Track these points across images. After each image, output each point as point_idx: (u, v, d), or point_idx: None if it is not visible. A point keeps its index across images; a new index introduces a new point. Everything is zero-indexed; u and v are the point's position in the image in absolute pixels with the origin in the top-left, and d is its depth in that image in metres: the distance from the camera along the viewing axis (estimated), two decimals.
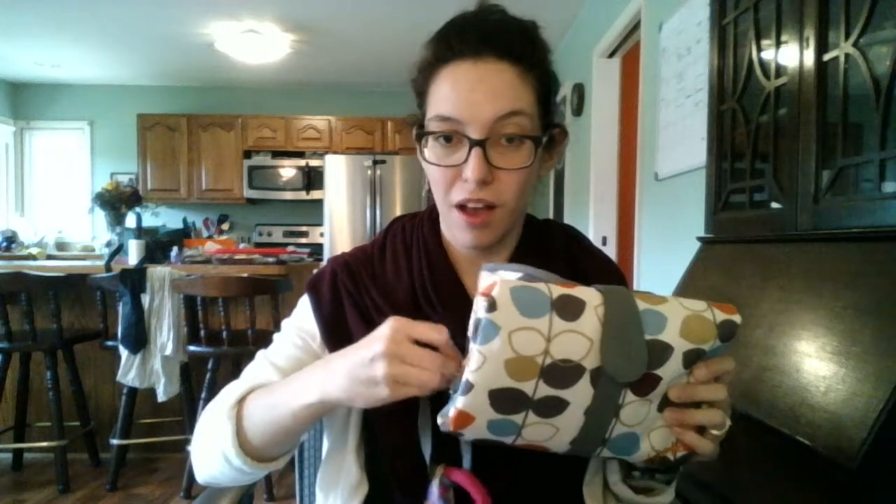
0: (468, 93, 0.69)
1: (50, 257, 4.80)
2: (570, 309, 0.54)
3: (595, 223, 3.73)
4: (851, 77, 1.16)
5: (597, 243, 3.83)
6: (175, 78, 5.88)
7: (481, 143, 0.68)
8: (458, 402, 0.55)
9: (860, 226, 1.10)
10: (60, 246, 5.91)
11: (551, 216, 5.01)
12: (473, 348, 0.54)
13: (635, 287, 2.80)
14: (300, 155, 5.96)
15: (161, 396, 2.68)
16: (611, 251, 3.60)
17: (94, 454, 2.97)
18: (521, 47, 0.71)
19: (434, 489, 0.66)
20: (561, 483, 0.79)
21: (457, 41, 0.70)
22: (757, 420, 1.03)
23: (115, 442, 2.72)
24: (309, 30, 4.49)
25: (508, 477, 0.75)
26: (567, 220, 4.47)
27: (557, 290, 0.55)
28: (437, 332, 0.58)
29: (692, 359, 0.57)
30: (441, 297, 0.76)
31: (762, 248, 1.34)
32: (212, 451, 0.70)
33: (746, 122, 1.51)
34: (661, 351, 0.56)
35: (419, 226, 0.83)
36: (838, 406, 0.91)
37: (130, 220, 3.91)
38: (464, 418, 0.56)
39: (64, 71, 5.62)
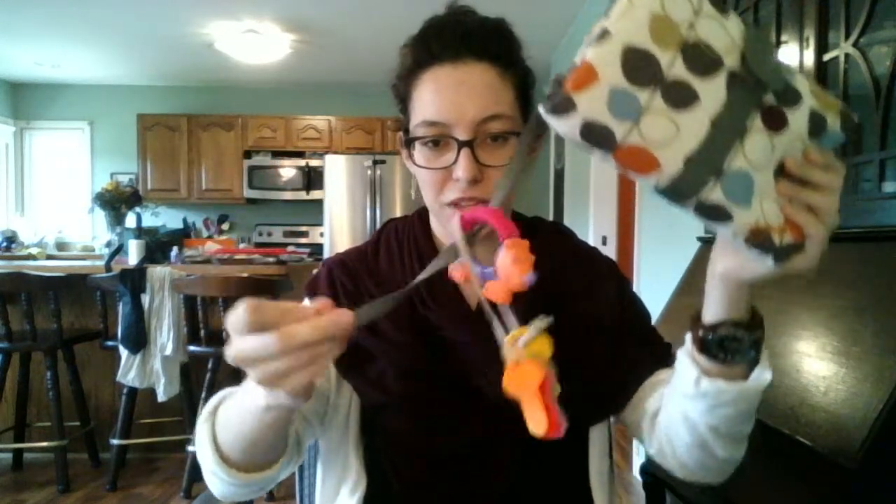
0: (452, 95, 0.70)
1: (50, 257, 4.80)
2: (718, 4, 0.52)
3: (595, 223, 3.73)
4: (851, 77, 1.16)
5: (597, 243, 3.81)
6: (175, 78, 5.88)
7: (469, 143, 0.69)
8: (587, 53, 0.48)
9: (860, 226, 1.10)
10: (60, 246, 5.90)
11: (551, 216, 5.01)
12: None
13: (635, 287, 2.80)
14: (300, 155, 5.96)
15: (161, 396, 2.69)
16: (611, 251, 3.60)
17: (94, 454, 2.97)
18: (498, 46, 0.72)
19: (456, 225, 0.58)
20: (567, 472, 0.79)
21: (436, 45, 0.72)
22: (757, 420, 1.03)
23: (115, 442, 2.72)
24: (309, 30, 4.49)
25: (513, 467, 0.75)
26: (567, 220, 4.47)
27: None
28: (231, 327, 0.47)
29: (815, 126, 0.54)
30: (433, 294, 0.78)
31: None
32: (204, 467, 0.68)
33: None
34: (792, 94, 0.53)
35: (410, 226, 0.85)
36: (838, 406, 0.91)
37: (130, 220, 3.92)
38: (588, 74, 0.48)
39: (64, 71, 5.62)
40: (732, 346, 0.61)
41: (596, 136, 0.49)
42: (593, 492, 0.79)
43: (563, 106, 0.48)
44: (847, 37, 1.15)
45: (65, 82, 5.98)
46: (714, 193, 0.51)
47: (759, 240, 0.52)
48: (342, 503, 0.79)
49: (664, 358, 0.80)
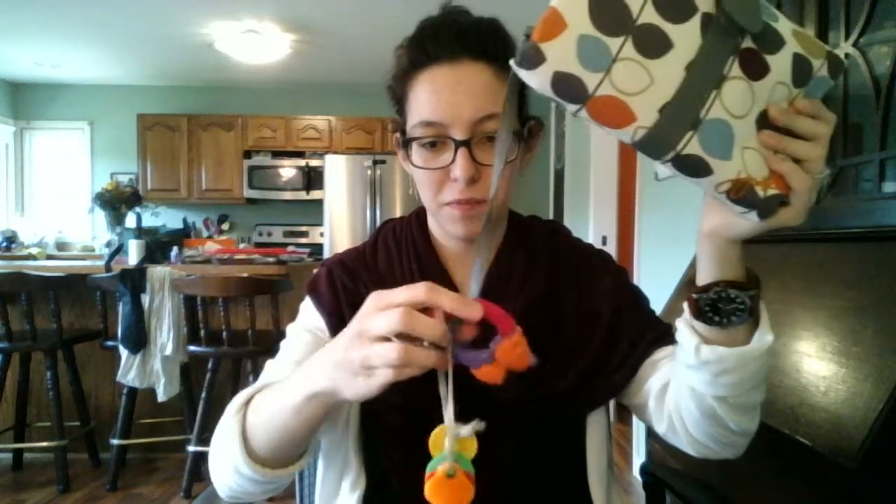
0: (449, 95, 0.70)
1: (50, 257, 4.80)
2: None
3: (595, 223, 3.73)
4: (851, 77, 1.16)
5: (597, 243, 3.81)
6: (175, 78, 5.88)
7: (466, 143, 0.70)
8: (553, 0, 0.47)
9: (860, 226, 1.10)
10: (60, 246, 5.90)
11: (551, 216, 5.01)
12: None
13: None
14: (300, 155, 5.95)
15: (161, 396, 2.69)
16: (611, 251, 3.59)
17: (94, 454, 2.97)
18: (494, 46, 0.72)
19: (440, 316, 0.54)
20: (565, 470, 0.79)
21: (431, 45, 0.72)
22: None
23: (115, 442, 2.71)
24: (309, 30, 4.49)
25: (512, 465, 0.75)
26: (567, 220, 4.47)
27: None
28: (405, 293, 0.51)
29: (800, 73, 0.51)
30: None
31: (762, 249, 1.34)
32: (224, 462, 0.68)
33: None
34: (773, 37, 0.50)
35: (408, 226, 0.85)
36: (838, 406, 0.91)
37: (130, 220, 3.91)
38: (555, 22, 0.46)
39: (64, 71, 5.62)
40: (727, 307, 0.59)
41: (567, 88, 0.48)
42: (591, 490, 0.79)
43: (532, 58, 0.47)
44: (847, 37, 1.15)
45: (65, 82, 5.98)
46: (691, 145, 0.49)
47: (741, 194, 0.51)
48: (342, 501, 0.79)
49: (664, 336, 0.79)
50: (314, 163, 5.85)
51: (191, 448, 2.57)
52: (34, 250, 4.98)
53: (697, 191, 0.56)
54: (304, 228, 6.12)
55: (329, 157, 5.33)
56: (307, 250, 3.89)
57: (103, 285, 2.70)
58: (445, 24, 0.73)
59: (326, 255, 5.10)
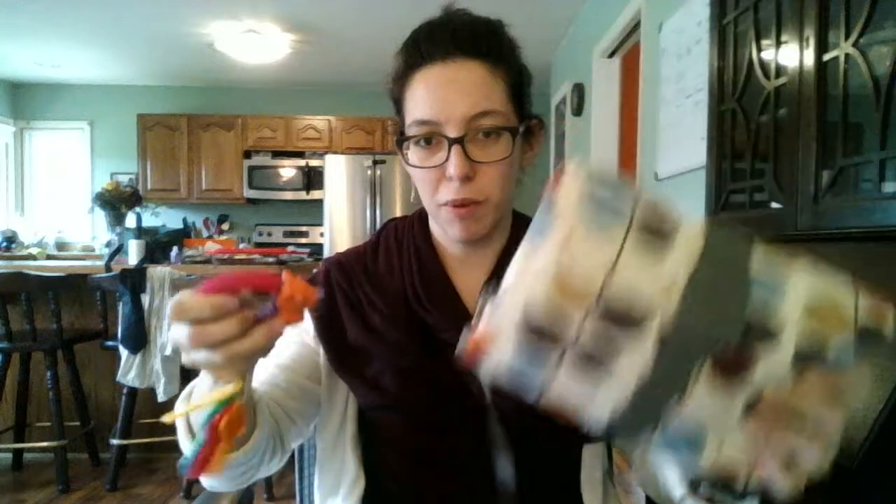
0: (442, 93, 0.70)
1: (50, 257, 4.80)
2: (657, 231, 0.43)
3: None
4: (851, 77, 1.16)
5: None
6: (175, 78, 5.88)
7: (459, 140, 0.69)
8: (480, 322, 0.45)
9: (860, 226, 1.10)
10: (60, 246, 5.90)
11: None
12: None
13: None
14: (300, 155, 5.96)
15: (161, 396, 2.68)
16: None
17: (94, 454, 2.97)
18: (488, 44, 0.72)
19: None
20: (559, 474, 0.79)
21: (426, 46, 0.72)
22: None
23: (115, 442, 2.72)
24: (309, 30, 4.49)
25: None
26: None
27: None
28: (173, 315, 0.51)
29: (808, 352, 0.42)
30: (430, 295, 0.78)
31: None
32: (184, 452, 0.68)
33: (746, 122, 1.51)
34: (762, 328, 0.42)
35: (409, 226, 0.85)
36: None
37: (130, 220, 3.91)
38: (483, 345, 0.45)
39: (64, 71, 5.62)
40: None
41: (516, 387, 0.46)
42: (584, 496, 0.79)
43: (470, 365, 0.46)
44: (847, 37, 1.15)
45: (65, 82, 5.98)
46: (653, 444, 0.45)
47: (715, 479, 0.45)
48: (342, 502, 0.80)
49: None
50: (314, 163, 5.85)
51: None
52: (34, 250, 4.98)
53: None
54: (304, 228, 6.12)
55: (329, 157, 5.33)
56: (307, 250, 3.89)
57: (103, 285, 2.70)
58: (440, 24, 0.74)
59: (326, 255, 5.10)
